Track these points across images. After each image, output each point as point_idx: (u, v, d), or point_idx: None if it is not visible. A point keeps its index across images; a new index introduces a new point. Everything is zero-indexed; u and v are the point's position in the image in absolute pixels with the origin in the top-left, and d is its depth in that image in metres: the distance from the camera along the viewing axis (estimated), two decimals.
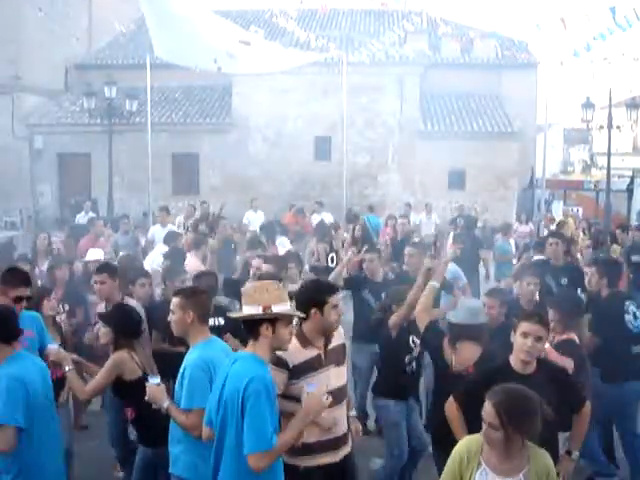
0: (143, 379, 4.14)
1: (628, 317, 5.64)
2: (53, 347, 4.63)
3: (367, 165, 23.14)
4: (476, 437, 3.22)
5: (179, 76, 21.46)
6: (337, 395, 3.90)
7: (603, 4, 8.72)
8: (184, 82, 23.55)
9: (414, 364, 5.37)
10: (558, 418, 3.79)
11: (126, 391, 4.46)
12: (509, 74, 24.95)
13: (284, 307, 3.36)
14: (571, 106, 31.83)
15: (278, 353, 3.76)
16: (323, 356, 3.94)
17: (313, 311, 3.87)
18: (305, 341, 3.91)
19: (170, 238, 9.09)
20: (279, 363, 3.81)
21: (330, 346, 3.99)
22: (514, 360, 3.84)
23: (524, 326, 3.81)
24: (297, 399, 3.69)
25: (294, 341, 3.85)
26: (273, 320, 3.32)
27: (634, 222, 17.58)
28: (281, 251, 9.05)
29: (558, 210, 22.26)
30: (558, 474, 3.73)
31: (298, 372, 3.85)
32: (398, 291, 5.47)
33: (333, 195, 21.16)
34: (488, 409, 3.05)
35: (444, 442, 3.91)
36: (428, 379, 6.11)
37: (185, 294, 4.03)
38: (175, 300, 3.99)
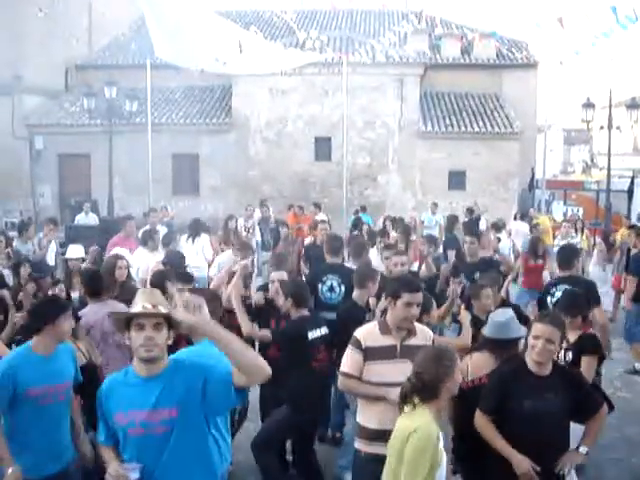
0: (88, 367, 4.15)
1: None
2: None
3: (367, 166, 23.14)
4: (430, 419, 3.21)
5: (179, 77, 21.42)
6: None
7: (604, 3, 8.72)
8: (184, 83, 23.53)
9: None
10: (570, 420, 3.81)
11: None
12: (509, 74, 24.97)
13: (135, 308, 3.10)
14: (571, 106, 31.83)
15: (355, 334, 4.07)
16: (399, 348, 4.02)
17: (388, 301, 4.08)
18: (385, 329, 4.08)
19: (167, 239, 9.07)
20: (355, 344, 4.05)
21: (409, 342, 4.05)
22: (529, 361, 3.82)
23: (536, 328, 3.79)
24: (371, 382, 3.96)
25: (375, 327, 4.14)
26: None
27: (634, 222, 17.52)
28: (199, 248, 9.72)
29: (558, 211, 22.26)
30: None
31: (370, 354, 4.01)
32: None
33: (333, 196, 21.16)
34: None
35: (474, 456, 3.89)
36: None
37: (202, 296, 4.01)
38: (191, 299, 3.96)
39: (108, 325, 4.96)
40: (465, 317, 5.29)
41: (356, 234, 10.70)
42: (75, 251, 7.87)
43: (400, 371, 3.90)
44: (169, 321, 3.06)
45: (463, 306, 5.61)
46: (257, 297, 5.87)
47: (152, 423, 3.00)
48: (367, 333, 4.09)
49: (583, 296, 5.34)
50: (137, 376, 3.09)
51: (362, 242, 8.14)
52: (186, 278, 5.62)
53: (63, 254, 9.35)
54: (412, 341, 4.05)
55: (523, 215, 16.21)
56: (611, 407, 4.81)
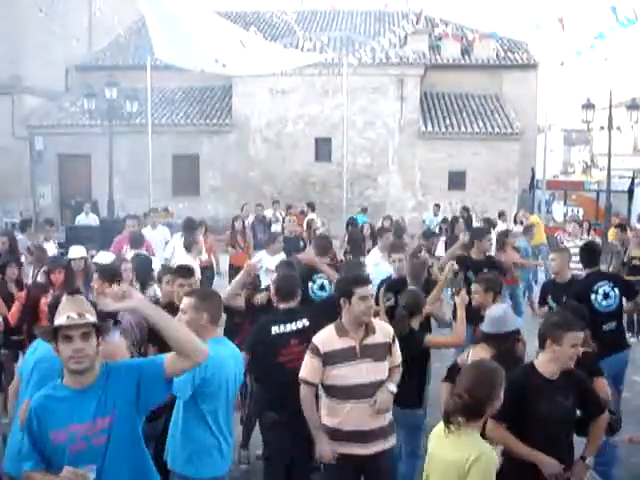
0: None
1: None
2: None
3: (367, 166, 23.14)
4: (486, 443, 3.19)
5: (179, 77, 21.46)
6: (368, 389, 3.92)
7: (603, 4, 8.73)
8: (184, 83, 23.56)
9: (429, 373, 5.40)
10: (573, 423, 3.83)
11: None
12: (509, 74, 24.98)
13: (60, 320, 2.92)
14: (571, 107, 31.81)
15: (313, 341, 3.99)
16: (358, 348, 3.96)
17: (342, 301, 4.00)
18: (342, 331, 4.01)
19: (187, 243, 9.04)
20: (313, 350, 3.98)
21: (368, 341, 3.99)
22: (544, 365, 3.78)
23: (574, 337, 3.71)
24: (330, 388, 3.94)
25: (332, 330, 4.03)
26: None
27: (634, 223, 17.55)
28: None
29: (558, 211, 22.26)
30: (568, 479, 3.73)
31: (330, 359, 3.94)
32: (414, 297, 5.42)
33: (333, 196, 21.19)
34: None
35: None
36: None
37: (200, 296, 3.95)
38: (188, 301, 3.89)
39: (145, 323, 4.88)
40: (461, 304, 5.12)
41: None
42: (77, 251, 7.90)
43: (362, 371, 3.94)
44: (97, 329, 2.95)
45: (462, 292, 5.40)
46: (261, 297, 5.87)
47: (93, 435, 2.90)
48: (324, 338, 4.02)
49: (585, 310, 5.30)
50: (69, 389, 2.95)
51: (402, 242, 8.13)
52: (185, 273, 5.33)
53: (62, 254, 9.35)
54: (371, 340, 4.00)
55: (500, 214, 16.11)
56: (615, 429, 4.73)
